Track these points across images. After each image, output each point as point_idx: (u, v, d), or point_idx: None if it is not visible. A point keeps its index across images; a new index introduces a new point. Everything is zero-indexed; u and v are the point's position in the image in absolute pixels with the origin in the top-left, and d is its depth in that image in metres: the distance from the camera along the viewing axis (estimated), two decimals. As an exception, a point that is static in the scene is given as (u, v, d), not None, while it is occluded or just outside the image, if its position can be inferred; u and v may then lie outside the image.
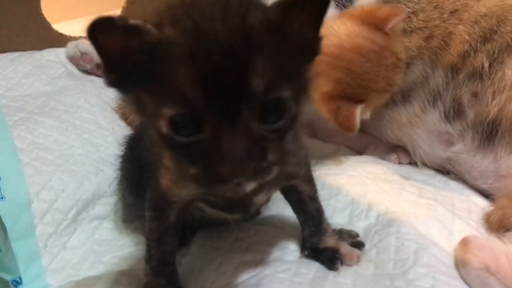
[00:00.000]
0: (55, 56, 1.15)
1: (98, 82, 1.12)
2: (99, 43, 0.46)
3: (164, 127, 0.47)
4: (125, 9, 1.25)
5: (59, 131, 0.93)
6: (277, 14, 0.47)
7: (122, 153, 0.82)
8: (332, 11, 1.01)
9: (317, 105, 0.85)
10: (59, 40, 1.18)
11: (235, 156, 0.45)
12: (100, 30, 0.45)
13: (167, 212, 0.66)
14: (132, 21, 0.45)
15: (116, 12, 1.26)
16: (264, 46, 0.45)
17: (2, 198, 0.78)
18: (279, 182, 0.66)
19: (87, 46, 1.14)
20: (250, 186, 0.48)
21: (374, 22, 0.87)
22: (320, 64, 0.79)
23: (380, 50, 0.86)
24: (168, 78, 0.45)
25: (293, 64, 0.48)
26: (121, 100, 1.05)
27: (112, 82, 0.49)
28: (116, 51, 0.46)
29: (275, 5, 0.47)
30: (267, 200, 0.75)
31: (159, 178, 0.62)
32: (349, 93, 0.86)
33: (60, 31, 1.20)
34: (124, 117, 1.03)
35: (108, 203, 0.87)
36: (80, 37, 1.20)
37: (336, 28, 0.86)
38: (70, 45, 1.16)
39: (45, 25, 1.17)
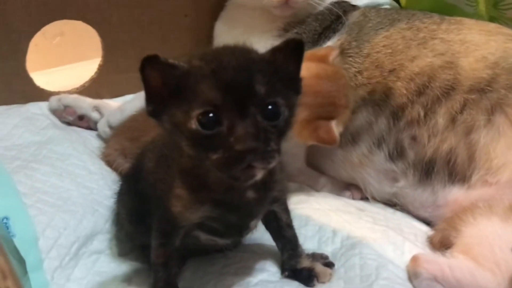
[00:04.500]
0: (39, 109, 1.22)
1: (81, 132, 1.21)
2: (146, 75, 0.63)
3: (193, 124, 0.62)
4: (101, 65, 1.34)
5: (54, 176, 1.01)
6: (269, 54, 0.67)
7: (119, 188, 0.93)
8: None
9: (297, 133, 0.96)
10: (41, 94, 1.26)
11: (247, 136, 0.61)
12: (148, 65, 0.62)
13: (173, 238, 0.77)
14: (170, 60, 0.63)
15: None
16: (262, 69, 0.64)
17: (13, 235, 0.86)
18: (267, 204, 0.79)
19: (70, 100, 1.24)
20: (259, 173, 0.64)
21: (318, 59, 1.03)
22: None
23: (333, 73, 1.03)
24: (196, 91, 0.62)
25: (283, 89, 0.66)
26: (104, 148, 1.16)
27: (151, 110, 0.66)
28: (157, 80, 0.63)
29: (268, 50, 0.67)
30: (255, 226, 0.87)
31: (170, 207, 0.74)
32: (322, 113, 0.99)
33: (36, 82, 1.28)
34: (109, 164, 1.11)
35: (104, 239, 0.95)
36: (59, 92, 1.28)
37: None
38: (53, 99, 1.24)
39: (29, 81, 1.25)
